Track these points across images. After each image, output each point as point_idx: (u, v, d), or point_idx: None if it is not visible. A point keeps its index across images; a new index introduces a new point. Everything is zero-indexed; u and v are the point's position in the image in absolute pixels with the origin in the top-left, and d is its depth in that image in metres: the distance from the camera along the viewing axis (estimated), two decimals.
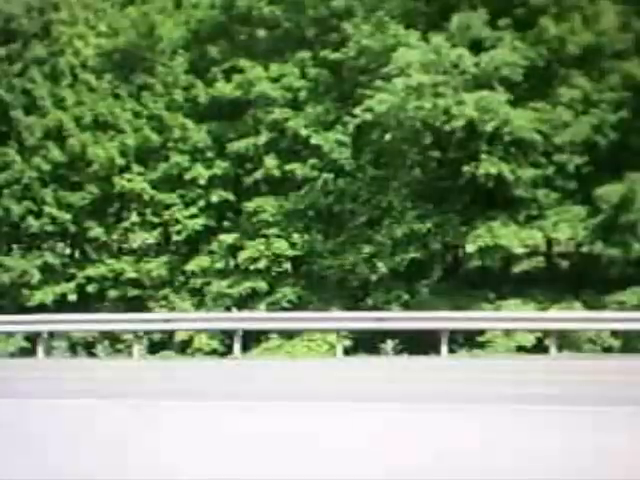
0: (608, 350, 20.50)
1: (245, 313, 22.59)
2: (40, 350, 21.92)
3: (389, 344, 20.42)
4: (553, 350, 19.71)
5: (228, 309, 23.18)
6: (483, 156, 21.62)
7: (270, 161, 24.45)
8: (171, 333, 23.25)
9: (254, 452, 8.65)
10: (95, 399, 12.55)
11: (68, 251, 27.72)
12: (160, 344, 23.38)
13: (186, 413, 11.38)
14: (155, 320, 22.43)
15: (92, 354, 23.06)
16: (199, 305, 24.57)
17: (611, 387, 13.37)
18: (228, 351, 22.13)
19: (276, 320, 21.98)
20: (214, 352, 22.89)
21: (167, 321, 22.14)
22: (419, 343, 20.12)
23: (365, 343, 21.31)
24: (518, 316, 20.61)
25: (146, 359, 21.77)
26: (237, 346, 21.38)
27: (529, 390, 12.93)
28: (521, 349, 20.63)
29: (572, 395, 12.34)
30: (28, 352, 22.84)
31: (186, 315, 23.36)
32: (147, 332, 22.78)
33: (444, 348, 19.92)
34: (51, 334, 22.90)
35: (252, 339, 22.41)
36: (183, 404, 12.09)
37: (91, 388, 14.17)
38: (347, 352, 21.22)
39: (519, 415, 10.83)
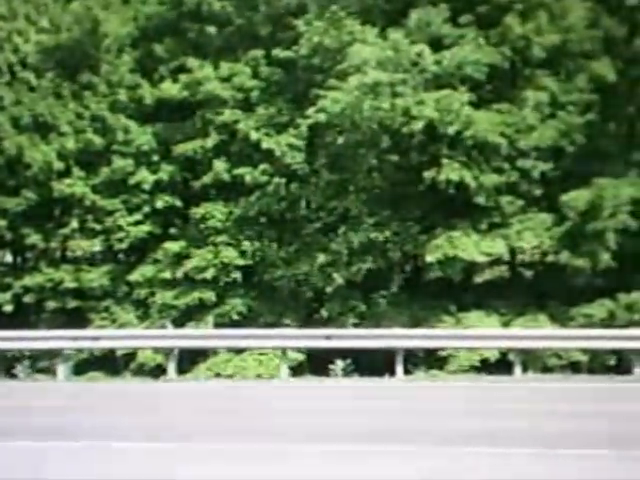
0: (575, 365, 20.03)
1: (182, 330, 21.59)
2: None
3: (339, 364, 19.57)
4: (517, 368, 19.07)
5: (174, 322, 22.11)
6: (444, 161, 21.06)
7: (219, 165, 23.67)
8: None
9: None
10: None
11: (8, 259, 26.64)
12: (90, 361, 22.14)
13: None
14: (82, 337, 20.96)
15: (12, 375, 21.60)
16: (143, 317, 23.63)
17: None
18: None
19: (216, 338, 20.83)
20: (159, 367, 21.75)
21: (96, 339, 20.86)
22: (373, 362, 19.38)
23: (317, 360, 20.47)
24: (479, 334, 19.79)
25: (70, 381, 20.38)
26: (172, 366, 20.28)
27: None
28: (484, 362, 20.05)
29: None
30: None
31: (116, 332, 22.13)
32: (77, 350, 21.45)
33: (399, 368, 19.04)
34: None
35: (200, 353, 21.47)
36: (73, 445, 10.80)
37: None
38: (295, 371, 20.34)
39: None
